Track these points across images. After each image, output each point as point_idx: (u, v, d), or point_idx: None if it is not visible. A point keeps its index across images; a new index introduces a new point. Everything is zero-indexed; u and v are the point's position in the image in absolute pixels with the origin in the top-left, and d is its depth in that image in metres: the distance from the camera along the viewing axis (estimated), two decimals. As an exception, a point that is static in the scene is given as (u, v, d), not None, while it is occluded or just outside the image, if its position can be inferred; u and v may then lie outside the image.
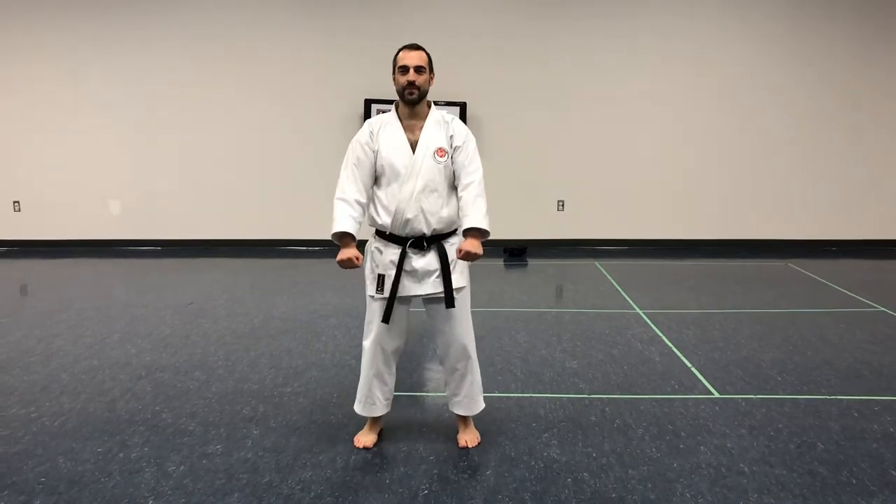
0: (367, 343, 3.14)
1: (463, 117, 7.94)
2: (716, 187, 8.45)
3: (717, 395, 3.83)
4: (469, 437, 3.23)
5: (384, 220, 3.03)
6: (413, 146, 3.00)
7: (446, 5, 8.11)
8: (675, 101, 8.30)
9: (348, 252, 2.97)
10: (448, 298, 3.02)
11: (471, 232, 2.96)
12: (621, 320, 5.34)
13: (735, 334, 4.97)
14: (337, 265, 3.00)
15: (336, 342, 4.74)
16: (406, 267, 3.03)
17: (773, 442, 3.26)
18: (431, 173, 2.97)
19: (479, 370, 3.24)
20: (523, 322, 5.27)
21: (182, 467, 2.99)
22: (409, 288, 3.05)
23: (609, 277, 6.80)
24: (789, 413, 3.59)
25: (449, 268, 3.02)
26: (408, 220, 2.98)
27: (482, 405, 3.27)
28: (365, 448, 3.18)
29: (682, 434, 3.35)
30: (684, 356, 4.47)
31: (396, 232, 3.02)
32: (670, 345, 4.71)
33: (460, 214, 3.01)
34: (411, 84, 2.97)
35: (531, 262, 7.89)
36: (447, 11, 8.10)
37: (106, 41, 8.03)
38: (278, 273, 7.09)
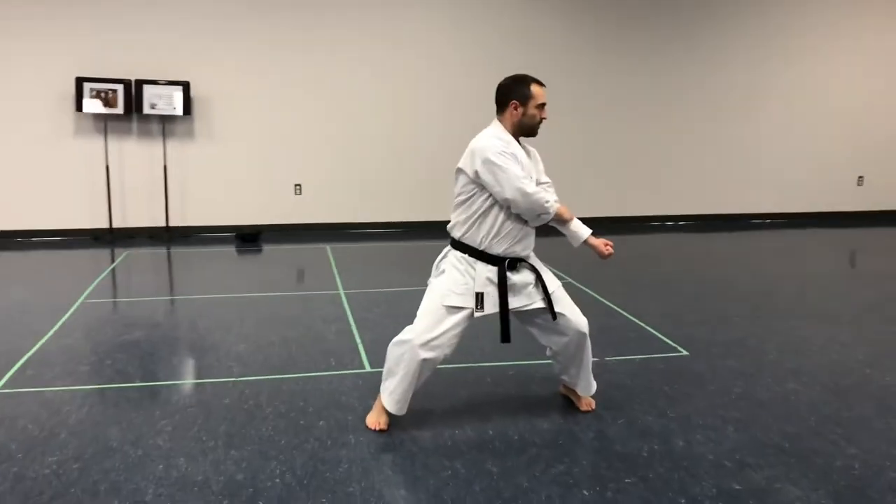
0: (424, 352, 3.01)
1: (187, 98, 7.61)
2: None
3: (368, 369, 3.90)
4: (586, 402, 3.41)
5: (496, 244, 3.04)
6: None
7: (168, -20, 7.71)
8: (406, 85, 8.46)
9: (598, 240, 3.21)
10: (552, 313, 3.11)
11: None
12: (318, 301, 5.34)
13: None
14: None
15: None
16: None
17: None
18: None
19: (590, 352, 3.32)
20: (216, 307, 5.13)
21: None
22: (509, 301, 3.07)
23: (332, 261, 6.81)
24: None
25: (545, 282, 3.12)
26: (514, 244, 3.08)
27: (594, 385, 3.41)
28: (381, 430, 3.16)
29: (310, 410, 3.36)
30: (359, 333, 4.54)
31: (500, 254, 3.05)
32: (352, 323, 4.77)
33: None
34: (543, 120, 3.10)
35: (266, 247, 7.74)
36: (169, -14, 7.71)
37: None
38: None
